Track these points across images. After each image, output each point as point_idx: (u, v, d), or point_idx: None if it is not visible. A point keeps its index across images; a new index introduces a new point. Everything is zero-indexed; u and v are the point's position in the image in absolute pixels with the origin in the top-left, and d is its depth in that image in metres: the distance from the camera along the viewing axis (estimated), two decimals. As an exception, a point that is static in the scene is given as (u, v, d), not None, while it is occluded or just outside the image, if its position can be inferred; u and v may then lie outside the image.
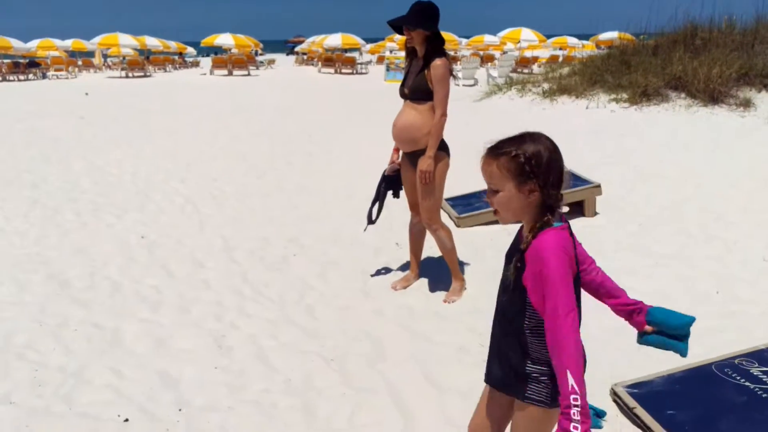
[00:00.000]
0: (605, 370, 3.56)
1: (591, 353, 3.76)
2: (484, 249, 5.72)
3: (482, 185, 7.09)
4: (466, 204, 6.66)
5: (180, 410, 3.34)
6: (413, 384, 3.54)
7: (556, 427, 1.84)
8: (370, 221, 4.94)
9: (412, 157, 4.54)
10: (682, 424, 2.85)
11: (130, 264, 5.50)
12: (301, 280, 5.08)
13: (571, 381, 1.76)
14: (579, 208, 6.44)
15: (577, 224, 6.24)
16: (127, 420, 3.26)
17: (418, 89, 4.37)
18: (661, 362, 3.51)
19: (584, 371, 1.84)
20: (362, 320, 4.35)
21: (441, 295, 4.74)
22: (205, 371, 3.73)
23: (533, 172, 1.87)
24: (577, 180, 6.58)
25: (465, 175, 8.62)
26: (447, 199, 6.96)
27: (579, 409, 1.75)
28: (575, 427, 1.74)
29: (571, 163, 7.85)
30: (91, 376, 3.68)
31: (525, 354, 2.01)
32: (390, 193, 4.93)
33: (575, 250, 1.95)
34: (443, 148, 4.47)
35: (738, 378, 3.09)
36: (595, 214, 6.43)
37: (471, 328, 4.21)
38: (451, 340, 4.05)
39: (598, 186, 6.36)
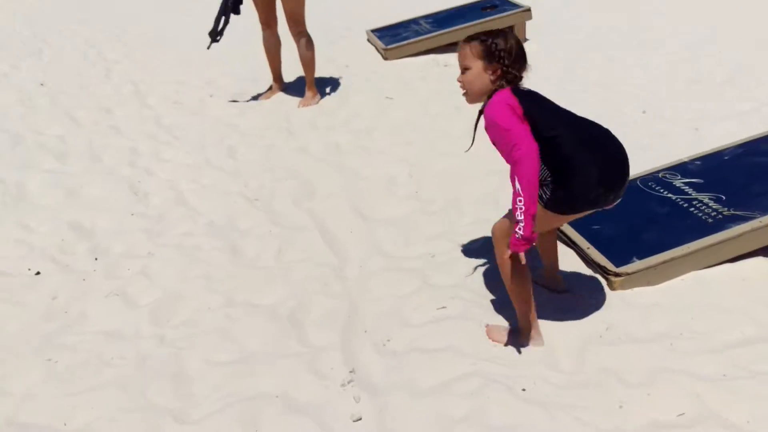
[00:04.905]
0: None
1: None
2: (414, 81, 5.49)
3: (411, 14, 6.63)
4: (393, 35, 6.31)
5: (96, 259, 3.17)
6: (342, 218, 3.45)
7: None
8: (215, 39, 4.83)
9: None
10: (607, 237, 2.88)
11: (31, 113, 5.05)
12: (220, 122, 4.79)
13: (517, 186, 2.10)
14: (509, 35, 6.19)
15: (506, 52, 6.03)
16: (38, 273, 3.07)
17: None
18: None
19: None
20: (287, 159, 4.17)
21: (365, 129, 4.56)
22: (121, 219, 3.53)
23: (498, 55, 2.21)
24: (506, 4, 6.28)
25: (390, 5, 8.14)
26: (373, 31, 6.58)
27: (521, 208, 2.07)
28: (520, 225, 2.08)
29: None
30: (-4, 231, 3.43)
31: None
32: (231, 9, 4.80)
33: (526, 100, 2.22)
34: None
35: (661, 190, 3.12)
36: (525, 40, 6.21)
37: (401, 158, 4.09)
38: (380, 172, 3.94)
39: (528, 10, 6.10)
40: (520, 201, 2.07)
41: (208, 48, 5.01)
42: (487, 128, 2.25)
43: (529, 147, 2.10)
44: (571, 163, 2.18)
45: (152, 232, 3.39)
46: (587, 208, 2.29)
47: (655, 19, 6.94)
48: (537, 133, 2.15)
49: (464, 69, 2.29)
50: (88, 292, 2.94)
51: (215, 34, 4.85)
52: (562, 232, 3.02)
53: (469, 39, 2.29)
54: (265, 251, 3.19)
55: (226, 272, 3.03)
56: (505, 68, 2.22)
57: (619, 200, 2.31)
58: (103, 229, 3.44)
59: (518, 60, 2.24)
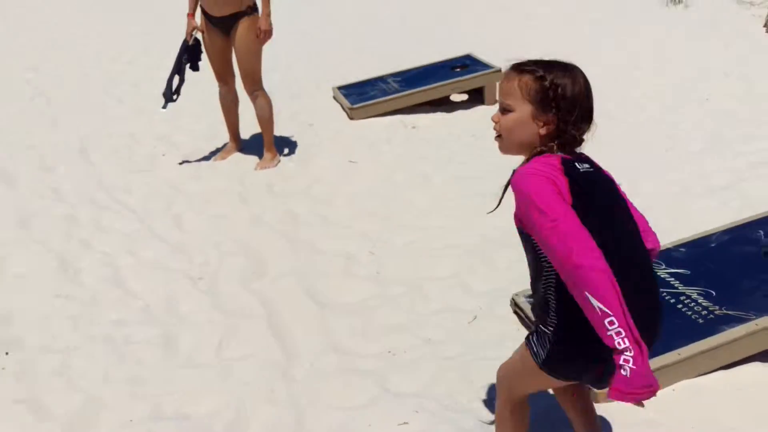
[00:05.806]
0: (505, 281, 3.22)
1: (491, 266, 3.43)
2: (379, 143, 5.22)
3: (379, 71, 6.26)
4: (360, 93, 6.07)
5: (7, 354, 2.77)
6: (294, 303, 3.11)
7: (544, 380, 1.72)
8: (170, 99, 4.52)
9: (227, 21, 4.29)
10: (586, 337, 2.58)
11: (-39, 172, 4.63)
12: (169, 185, 4.43)
13: (596, 304, 1.43)
14: (479, 96, 6.01)
15: (476, 113, 5.83)
16: (-63, 372, 2.65)
17: None
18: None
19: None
20: (238, 230, 3.82)
21: (326, 197, 4.24)
22: (45, 302, 3.13)
23: (558, 104, 1.59)
24: (477, 64, 6.11)
25: (359, 59, 7.93)
26: (339, 88, 6.34)
27: (618, 331, 1.41)
28: (626, 356, 1.41)
29: (471, 46, 7.37)
30: None
31: (548, 310, 1.67)
32: (187, 65, 4.54)
33: (576, 178, 1.57)
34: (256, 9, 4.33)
35: (645, 282, 2.85)
36: (496, 101, 6.02)
37: (362, 231, 3.79)
38: (338, 248, 3.62)
39: (500, 70, 5.91)
40: (611, 324, 1.41)
41: (164, 108, 4.66)
42: (516, 200, 1.60)
43: (593, 255, 1.45)
44: (585, 334, 1.50)
45: (79, 320, 2.99)
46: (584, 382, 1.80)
47: (633, 76, 6.83)
48: None
49: (504, 109, 1.64)
50: (-7, 397, 2.52)
51: (170, 94, 4.53)
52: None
53: (522, 69, 1.63)
54: (203, 344, 2.82)
55: (156, 372, 2.65)
56: (562, 124, 1.58)
57: None
58: (22, 315, 3.03)
59: (583, 116, 1.61)
